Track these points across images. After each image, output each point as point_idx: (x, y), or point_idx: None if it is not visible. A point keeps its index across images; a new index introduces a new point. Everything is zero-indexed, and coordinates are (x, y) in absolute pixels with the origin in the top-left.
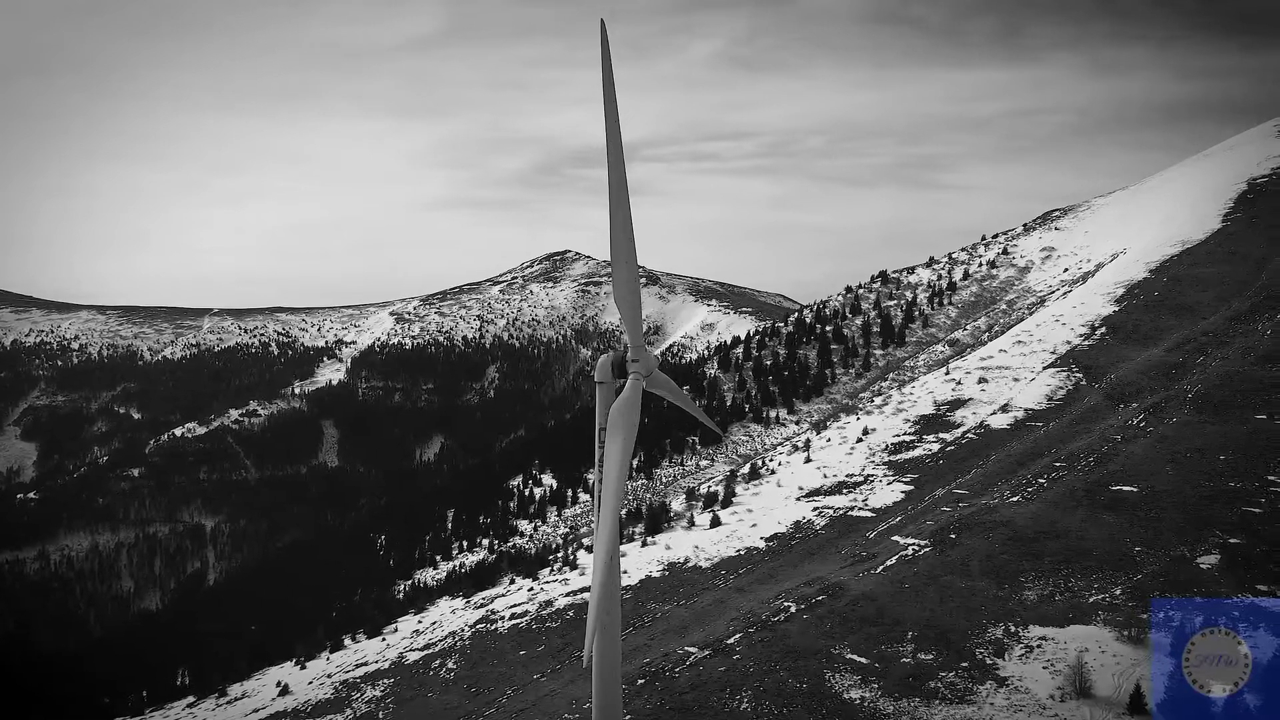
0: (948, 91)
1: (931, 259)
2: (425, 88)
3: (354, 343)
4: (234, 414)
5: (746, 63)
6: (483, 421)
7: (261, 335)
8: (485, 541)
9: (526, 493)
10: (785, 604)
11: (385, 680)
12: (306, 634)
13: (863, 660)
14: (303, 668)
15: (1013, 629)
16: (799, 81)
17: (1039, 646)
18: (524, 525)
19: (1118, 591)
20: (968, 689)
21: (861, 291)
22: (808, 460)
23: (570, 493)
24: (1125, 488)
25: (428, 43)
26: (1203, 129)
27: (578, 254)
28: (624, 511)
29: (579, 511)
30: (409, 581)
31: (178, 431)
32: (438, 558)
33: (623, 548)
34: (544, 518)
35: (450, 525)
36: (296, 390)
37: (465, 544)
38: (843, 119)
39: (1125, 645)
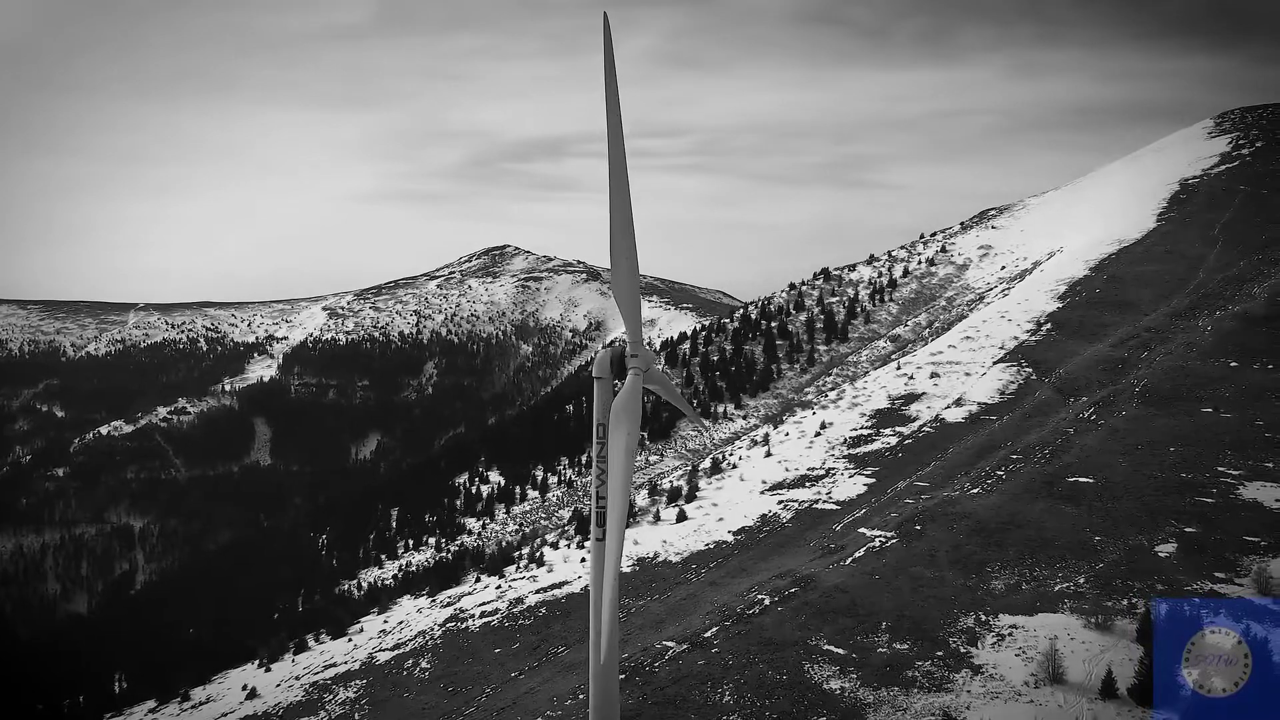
0: (878, 91)
1: (872, 256)
2: (355, 78)
3: (285, 338)
4: (162, 412)
5: (679, 60)
6: (421, 418)
7: (189, 331)
8: (432, 540)
9: (474, 490)
10: (759, 597)
11: (358, 681)
12: (254, 635)
13: (840, 651)
14: (268, 670)
15: (983, 618)
16: (732, 80)
17: (1010, 635)
18: (472, 523)
19: (1081, 580)
20: (945, 677)
21: (805, 288)
22: (768, 454)
23: (519, 490)
24: (1081, 479)
25: (357, 32)
26: (1123, 131)
27: (517, 249)
28: (589, 508)
29: (528, 509)
30: (354, 581)
31: (103, 430)
32: (383, 557)
33: (590, 543)
34: (492, 515)
35: (395, 524)
36: (227, 387)
37: (411, 543)
38: (776, 118)
39: (1093, 632)
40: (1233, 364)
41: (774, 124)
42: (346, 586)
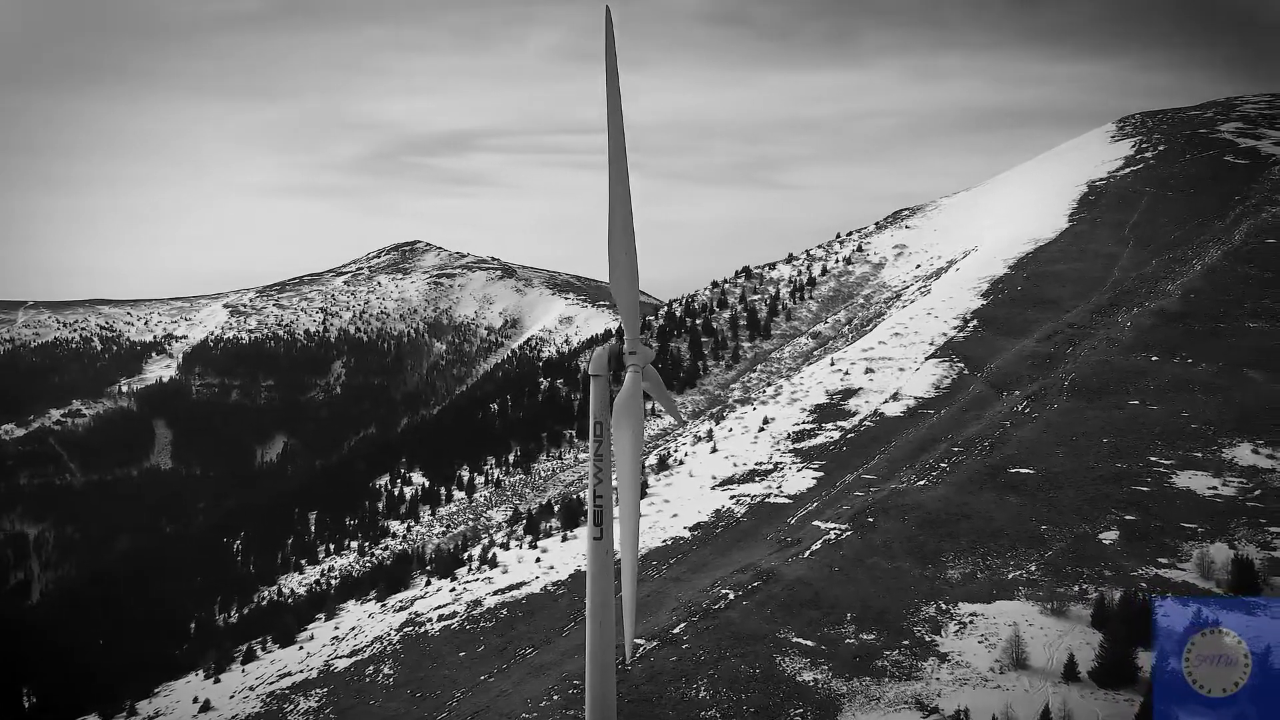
0: (787, 92)
1: (791, 255)
2: (254, 68)
3: (185, 337)
4: (55, 414)
5: (589, 56)
6: (329, 419)
7: (82, 330)
8: (354, 544)
9: (396, 492)
10: (723, 592)
11: (318, 690)
12: (178, 645)
13: (809, 643)
14: (217, 681)
15: (944, 607)
16: (645, 79)
17: (971, 622)
18: (396, 526)
19: (1033, 568)
20: (913, 666)
21: (727, 286)
22: (714, 450)
23: (444, 491)
24: (1023, 470)
25: (254, 20)
26: (1023, 135)
27: (429, 245)
28: (534, 506)
29: (455, 510)
30: (273, 587)
31: None
32: (303, 562)
33: (542, 543)
34: (417, 517)
35: (314, 528)
36: (124, 388)
37: (333, 546)
38: (690, 117)
39: (1050, 618)
40: (1154, 358)
41: (688, 123)
42: (266, 593)
